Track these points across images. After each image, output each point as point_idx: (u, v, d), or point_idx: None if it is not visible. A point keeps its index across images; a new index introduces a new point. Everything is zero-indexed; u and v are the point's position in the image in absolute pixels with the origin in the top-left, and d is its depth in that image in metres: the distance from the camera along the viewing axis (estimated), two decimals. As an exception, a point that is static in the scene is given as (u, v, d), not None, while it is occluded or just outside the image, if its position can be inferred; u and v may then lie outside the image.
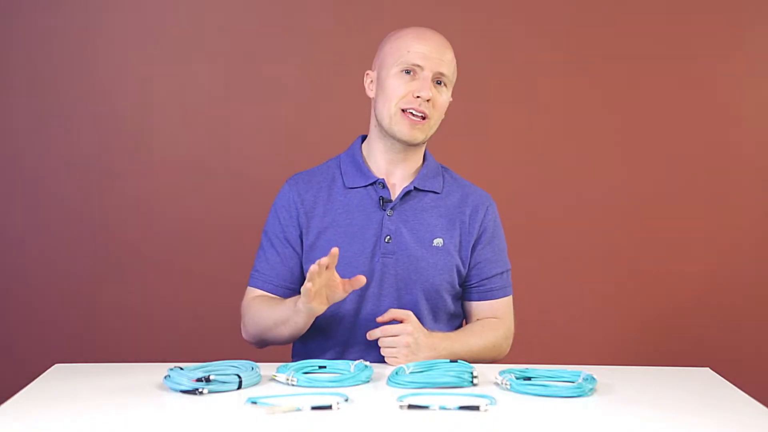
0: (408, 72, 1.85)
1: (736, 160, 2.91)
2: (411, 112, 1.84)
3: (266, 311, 1.84)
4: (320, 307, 1.71)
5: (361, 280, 1.71)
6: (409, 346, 1.73)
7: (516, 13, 2.89)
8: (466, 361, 1.71)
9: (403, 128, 1.85)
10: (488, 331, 1.90)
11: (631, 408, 1.50)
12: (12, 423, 1.38)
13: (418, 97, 1.83)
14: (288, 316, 1.77)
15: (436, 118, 1.88)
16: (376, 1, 2.86)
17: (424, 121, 1.85)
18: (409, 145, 1.89)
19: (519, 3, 2.89)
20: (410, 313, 1.78)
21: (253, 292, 1.92)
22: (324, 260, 1.64)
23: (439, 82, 1.87)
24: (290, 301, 1.78)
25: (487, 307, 1.95)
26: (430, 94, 1.83)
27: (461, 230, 1.93)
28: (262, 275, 1.92)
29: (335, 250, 1.66)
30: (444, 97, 1.88)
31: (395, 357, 1.74)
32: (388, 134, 1.88)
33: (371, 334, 1.77)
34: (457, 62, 1.93)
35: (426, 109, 1.84)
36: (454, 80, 1.92)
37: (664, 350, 2.91)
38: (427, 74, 1.84)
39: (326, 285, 1.70)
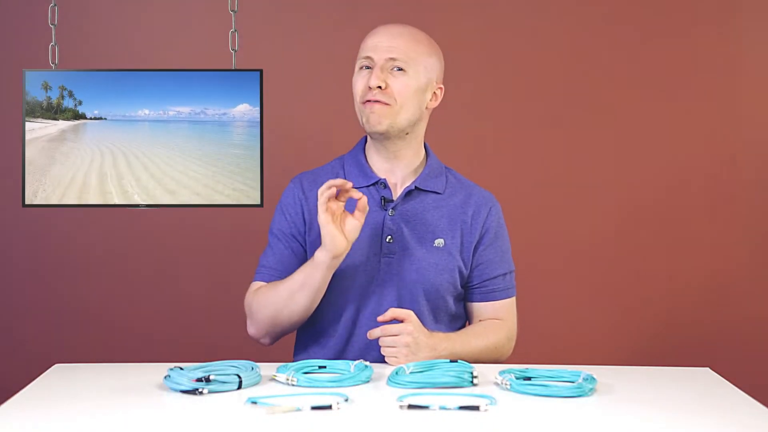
0: (366, 67, 1.87)
1: (736, 161, 2.91)
2: (369, 102, 1.85)
3: (278, 286, 1.83)
4: (339, 240, 1.74)
5: (364, 201, 1.75)
6: (408, 346, 1.73)
7: (517, 13, 2.89)
8: (466, 362, 1.71)
9: (367, 117, 1.86)
10: (490, 333, 1.90)
11: (631, 408, 1.50)
12: (12, 423, 1.38)
13: (371, 87, 1.85)
14: (303, 278, 1.79)
15: (400, 104, 1.85)
16: (377, 3, 2.86)
17: (387, 107, 1.85)
18: (386, 136, 1.88)
19: (520, 3, 2.89)
20: (411, 312, 1.77)
21: (258, 285, 1.91)
22: (341, 181, 1.72)
23: (398, 69, 1.86)
24: (304, 264, 1.81)
25: (489, 308, 1.94)
26: (377, 82, 1.83)
27: (463, 231, 1.92)
28: (269, 269, 1.91)
29: (350, 184, 1.74)
30: (405, 82, 1.86)
31: (395, 357, 1.74)
32: (368, 133, 1.90)
33: (371, 334, 1.77)
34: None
35: (381, 97, 1.84)
36: (427, 66, 1.89)
37: (664, 350, 2.91)
38: (378, 63, 1.85)
39: (340, 218, 1.75)
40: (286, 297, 1.82)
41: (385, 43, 1.86)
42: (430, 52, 1.91)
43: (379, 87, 1.84)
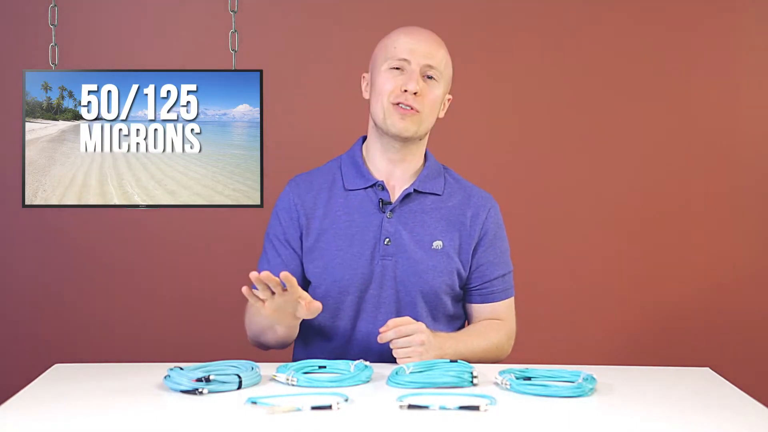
0: (397, 68, 1.84)
1: (735, 161, 2.91)
2: (401, 106, 1.83)
3: (255, 318, 1.82)
4: (291, 320, 1.70)
5: (318, 307, 1.66)
6: (424, 344, 1.72)
7: (517, 14, 2.89)
8: (468, 361, 1.71)
9: (395, 120, 1.83)
10: (491, 333, 1.90)
11: (631, 408, 1.50)
12: (12, 423, 1.38)
13: (406, 90, 1.82)
14: (270, 322, 1.76)
15: (427, 112, 1.85)
16: (377, 3, 2.86)
17: (417, 114, 1.83)
18: (404, 140, 1.87)
19: (520, 4, 2.89)
20: (409, 318, 1.76)
21: None
22: (271, 277, 1.60)
23: (429, 77, 1.85)
24: None
25: (489, 309, 1.94)
26: (417, 87, 1.81)
27: (461, 233, 1.92)
28: None
29: (290, 279, 1.61)
30: (435, 92, 1.86)
31: (409, 357, 1.71)
32: (383, 132, 1.86)
33: (384, 337, 1.72)
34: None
35: (414, 103, 1.82)
36: (448, 77, 1.90)
37: (664, 350, 2.91)
38: (414, 68, 1.83)
39: (291, 301, 1.66)
40: (259, 331, 1.82)
41: (423, 48, 1.84)
42: (450, 63, 1.91)
43: (415, 93, 1.82)
